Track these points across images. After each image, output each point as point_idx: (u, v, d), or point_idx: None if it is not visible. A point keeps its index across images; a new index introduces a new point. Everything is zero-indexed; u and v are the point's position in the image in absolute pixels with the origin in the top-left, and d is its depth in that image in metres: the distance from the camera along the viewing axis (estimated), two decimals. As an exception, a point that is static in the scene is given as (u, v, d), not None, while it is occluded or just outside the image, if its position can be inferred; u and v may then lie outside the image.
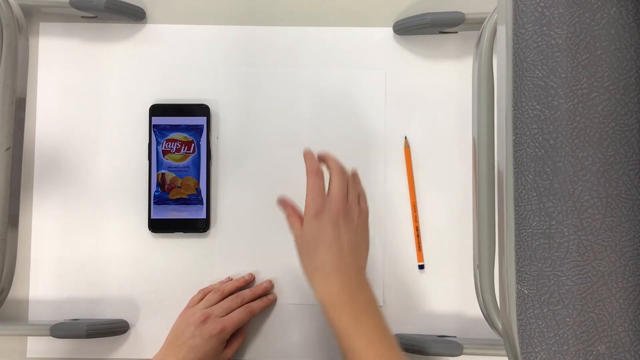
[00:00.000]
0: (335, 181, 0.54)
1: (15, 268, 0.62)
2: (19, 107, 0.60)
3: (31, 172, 0.66)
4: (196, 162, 0.65)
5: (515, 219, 0.35)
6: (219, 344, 0.58)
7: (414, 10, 0.66)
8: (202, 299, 0.62)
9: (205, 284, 0.65)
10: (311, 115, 0.67)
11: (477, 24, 0.60)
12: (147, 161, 0.65)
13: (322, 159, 0.57)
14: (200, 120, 0.65)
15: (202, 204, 0.65)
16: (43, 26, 0.67)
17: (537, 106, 0.34)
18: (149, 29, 0.67)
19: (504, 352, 0.37)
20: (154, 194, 0.65)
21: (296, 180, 0.64)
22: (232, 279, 0.65)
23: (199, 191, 0.65)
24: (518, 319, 0.34)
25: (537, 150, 0.34)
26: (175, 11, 0.67)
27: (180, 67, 0.67)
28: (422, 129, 0.66)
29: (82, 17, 0.65)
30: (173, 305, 0.63)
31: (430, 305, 0.65)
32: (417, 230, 0.66)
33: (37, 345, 0.64)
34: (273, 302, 0.65)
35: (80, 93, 0.66)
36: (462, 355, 0.60)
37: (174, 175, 0.65)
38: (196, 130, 0.65)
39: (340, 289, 0.51)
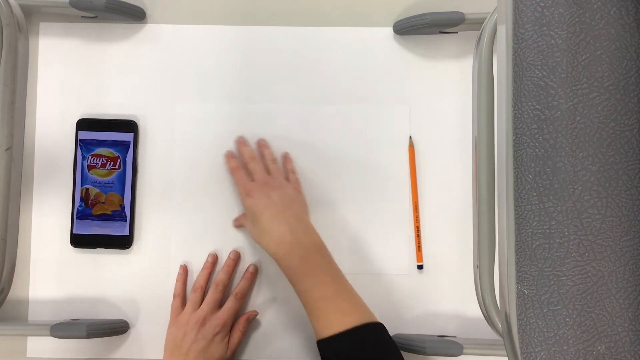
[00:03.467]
0: (251, 165, 0.62)
1: (15, 268, 0.62)
2: (19, 107, 0.60)
3: (31, 172, 0.66)
4: (121, 179, 0.65)
5: (515, 219, 0.35)
6: (222, 340, 0.59)
7: (414, 10, 0.66)
8: (181, 304, 0.62)
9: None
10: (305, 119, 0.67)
11: (477, 24, 0.60)
12: (72, 175, 0.65)
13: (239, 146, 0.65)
14: (127, 137, 0.65)
15: (125, 221, 0.64)
16: (43, 26, 0.67)
17: (537, 106, 0.34)
18: (149, 29, 0.67)
19: (504, 352, 0.37)
20: (77, 209, 0.64)
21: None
22: (186, 268, 0.64)
23: (123, 207, 0.64)
24: (518, 319, 0.34)
25: (537, 150, 0.34)
26: (175, 11, 0.67)
27: (180, 66, 0.67)
28: (422, 129, 0.66)
29: (82, 17, 0.65)
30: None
31: (430, 305, 0.65)
32: (418, 231, 0.66)
33: (37, 345, 0.64)
34: (255, 275, 0.64)
35: (80, 93, 0.66)
36: (462, 355, 0.60)
37: (98, 190, 0.64)
38: (122, 146, 0.65)
39: (283, 235, 0.56)
